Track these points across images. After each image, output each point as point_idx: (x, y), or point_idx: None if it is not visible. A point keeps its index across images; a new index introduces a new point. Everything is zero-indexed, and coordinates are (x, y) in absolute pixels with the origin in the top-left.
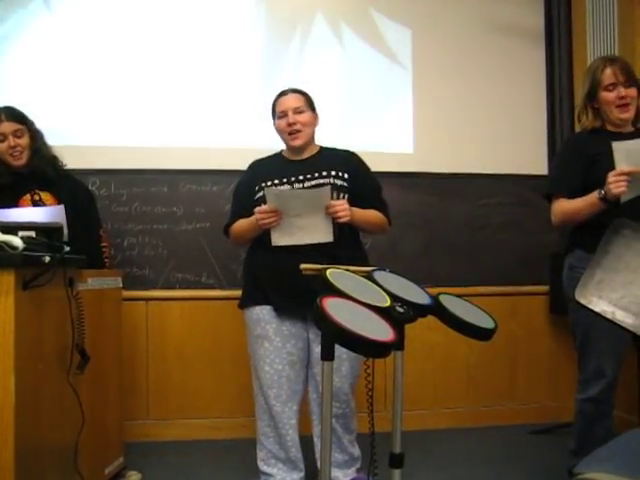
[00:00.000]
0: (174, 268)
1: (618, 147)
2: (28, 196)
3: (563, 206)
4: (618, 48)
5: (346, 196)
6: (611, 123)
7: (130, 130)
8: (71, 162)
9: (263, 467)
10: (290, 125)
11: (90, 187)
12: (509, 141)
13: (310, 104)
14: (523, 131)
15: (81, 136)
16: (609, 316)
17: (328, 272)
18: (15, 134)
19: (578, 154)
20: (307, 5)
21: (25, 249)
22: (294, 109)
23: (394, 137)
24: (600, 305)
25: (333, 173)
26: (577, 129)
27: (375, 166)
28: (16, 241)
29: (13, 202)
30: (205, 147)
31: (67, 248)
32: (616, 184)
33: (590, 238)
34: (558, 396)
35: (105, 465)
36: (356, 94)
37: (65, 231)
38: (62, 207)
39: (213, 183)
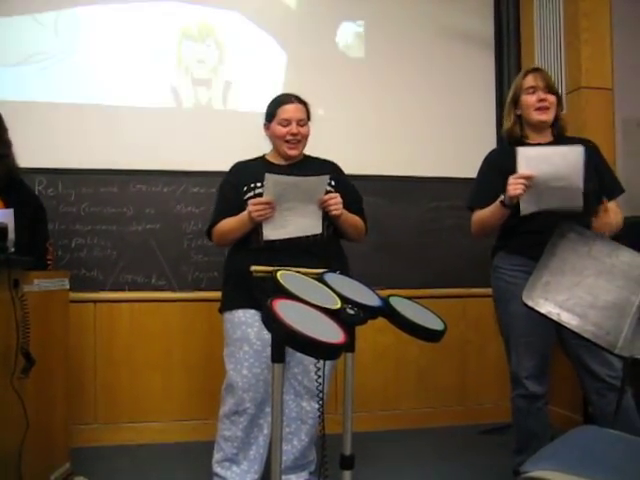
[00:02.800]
0: (123, 269)
1: (521, 152)
2: None
3: (476, 216)
4: (565, 56)
5: None
6: (531, 128)
7: (79, 129)
8: (18, 161)
9: (217, 469)
10: (293, 135)
11: (37, 187)
12: (460, 145)
13: (309, 115)
14: (473, 135)
15: (28, 134)
16: (555, 317)
17: (279, 274)
18: None
19: (494, 169)
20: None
21: None
22: (299, 120)
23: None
24: (546, 307)
25: None
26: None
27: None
28: None
29: None
30: (155, 146)
31: (12, 249)
32: (514, 186)
33: (510, 240)
34: (508, 396)
35: (50, 471)
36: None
37: (12, 236)
38: (10, 211)
39: (164, 184)
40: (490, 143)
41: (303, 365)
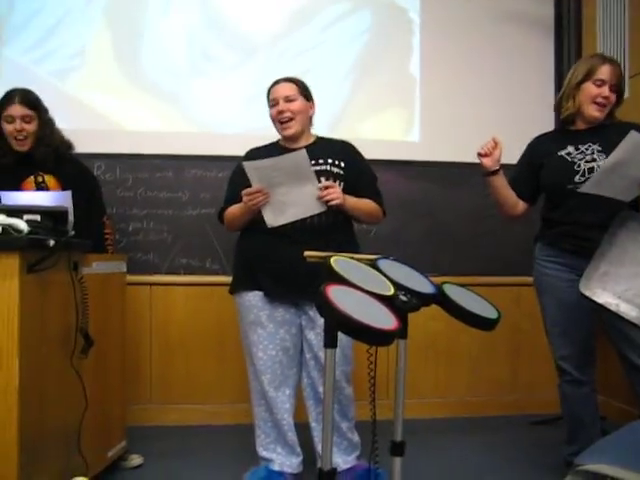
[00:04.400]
0: (178, 253)
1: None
2: (32, 178)
3: None
4: (629, 39)
5: (342, 184)
6: (581, 117)
7: (136, 115)
8: (76, 146)
9: (262, 452)
10: (280, 113)
11: (95, 172)
12: (516, 131)
13: (304, 92)
14: (530, 121)
15: (86, 120)
16: (613, 308)
17: (332, 259)
18: (24, 119)
19: (529, 159)
20: None
21: (30, 232)
22: (285, 97)
23: (399, 125)
24: (604, 297)
25: (330, 161)
26: None
27: (379, 154)
28: (21, 224)
29: (16, 184)
30: (210, 132)
31: (72, 232)
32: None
33: (546, 231)
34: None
35: (108, 448)
36: (361, 81)
37: (70, 217)
38: (69, 193)
39: (218, 169)
40: (548, 127)
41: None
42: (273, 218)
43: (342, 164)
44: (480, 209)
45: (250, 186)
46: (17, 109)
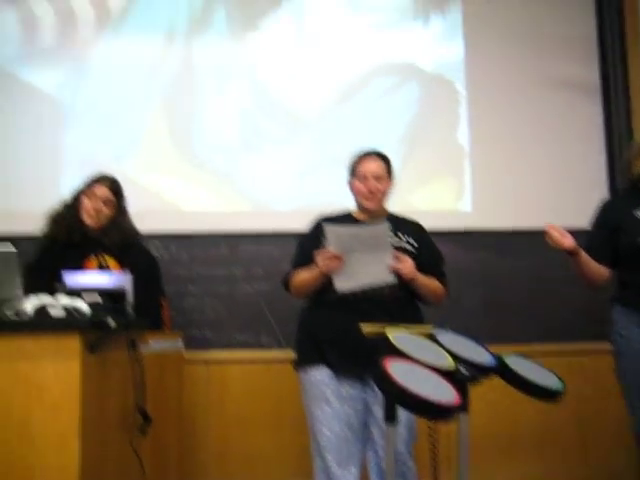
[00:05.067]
0: (234, 329)
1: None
2: (94, 257)
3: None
4: None
5: (414, 261)
6: None
7: (190, 193)
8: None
9: None
10: (370, 191)
11: (151, 251)
12: (569, 195)
13: (389, 171)
14: (583, 185)
15: (143, 200)
16: None
17: (390, 333)
18: (105, 201)
19: (603, 222)
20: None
21: (91, 313)
22: (375, 175)
23: (450, 195)
24: None
25: (404, 238)
26: None
27: (431, 225)
28: (83, 306)
29: (80, 260)
30: (263, 209)
31: (131, 313)
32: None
33: (625, 292)
34: (634, 458)
35: None
36: (410, 153)
37: (130, 299)
38: (129, 274)
39: (271, 245)
40: (600, 191)
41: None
42: (343, 283)
43: (414, 243)
44: (536, 276)
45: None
46: (103, 191)
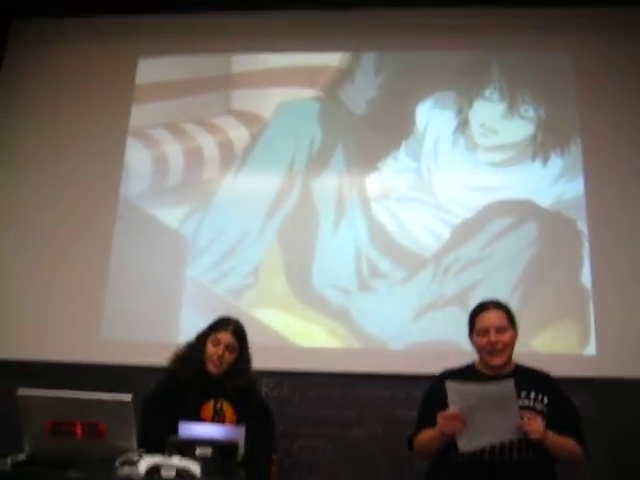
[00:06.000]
0: (343, 475)
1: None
2: (212, 402)
3: None
4: None
5: (544, 421)
6: None
7: (304, 330)
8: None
9: None
10: (492, 344)
11: (264, 388)
12: None
13: (512, 320)
14: None
15: (257, 336)
16: None
17: None
18: (228, 347)
19: None
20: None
21: (201, 473)
22: (497, 327)
23: (573, 338)
24: None
25: (532, 395)
26: None
27: (554, 370)
28: (193, 467)
29: (198, 403)
30: (378, 348)
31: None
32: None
33: None
34: None
35: None
36: (530, 294)
37: (241, 451)
38: (243, 428)
39: (384, 387)
40: None
41: None
42: (466, 443)
43: (545, 400)
44: None
45: (445, 407)
46: (227, 337)
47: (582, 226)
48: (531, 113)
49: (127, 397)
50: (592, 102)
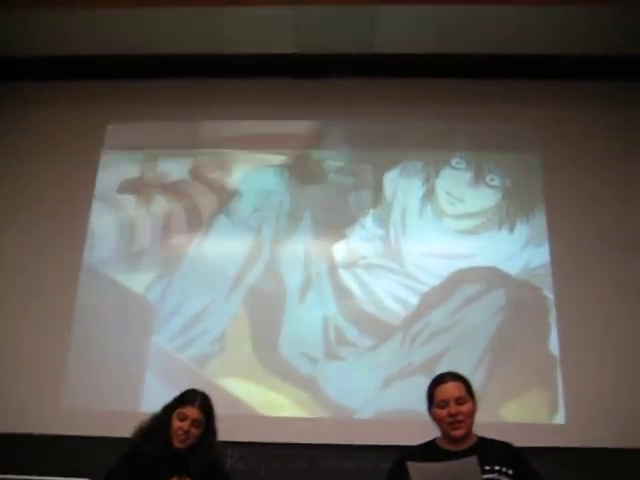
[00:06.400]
0: None
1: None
2: (175, 479)
3: None
4: None
5: None
6: None
7: (269, 400)
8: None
9: None
10: (452, 416)
11: (229, 460)
12: None
13: (470, 391)
14: None
15: (222, 405)
16: None
17: None
18: (194, 422)
19: None
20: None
21: None
22: (456, 399)
23: (542, 407)
24: None
25: (497, 468)
26: None
27: (519, 440)
28: None
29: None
30: (344, 419)
31: None
32: None
33: None
34: None
35: None
36: (499, 362)
37: None
38: None
39: (352, 460)
40: None
41: None
42: None
43: (510, 472)
44: None
45: None
46: (194, 412)
47: (549, 293)
48: (497, 182)
49: None
50: (556, 171)
